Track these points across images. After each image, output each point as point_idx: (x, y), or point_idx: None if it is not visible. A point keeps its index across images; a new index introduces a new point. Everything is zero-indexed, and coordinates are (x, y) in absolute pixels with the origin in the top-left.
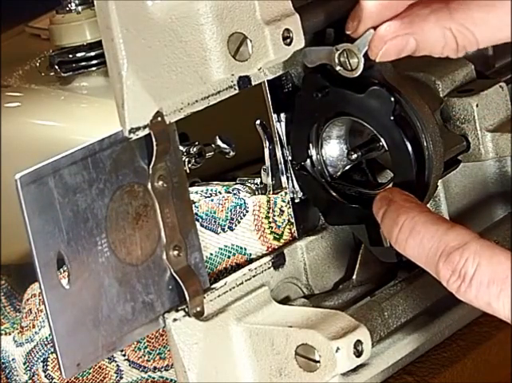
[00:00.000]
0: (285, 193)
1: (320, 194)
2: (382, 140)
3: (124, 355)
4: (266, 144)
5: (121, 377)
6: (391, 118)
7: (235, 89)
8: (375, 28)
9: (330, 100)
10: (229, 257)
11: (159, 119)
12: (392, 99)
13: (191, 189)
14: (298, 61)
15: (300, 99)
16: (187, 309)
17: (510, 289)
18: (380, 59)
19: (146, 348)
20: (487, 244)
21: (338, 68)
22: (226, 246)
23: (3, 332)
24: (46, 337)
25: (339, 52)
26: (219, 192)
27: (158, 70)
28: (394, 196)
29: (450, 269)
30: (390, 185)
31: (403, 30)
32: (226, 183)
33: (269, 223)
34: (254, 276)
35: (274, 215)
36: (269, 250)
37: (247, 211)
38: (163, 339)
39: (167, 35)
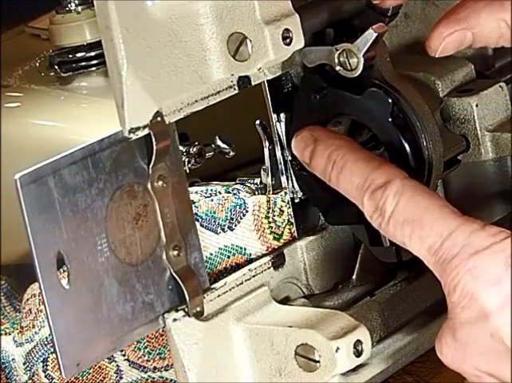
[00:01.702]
0: (285, 193)
1: (320, 194)
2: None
3: (124, 355)
4: (266, 144)
5: (121, 377)
6: (389, 120)
7: (235, 89)
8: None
9: (328, 101)
10: (229, 257)
11: (159, 119)
12: (390, 100)
13: (190, 189)
14: (298, 61)
15: (299, 99)
16: (186, 309)
17: (421, 230)
18: (440, 55)
19: (146, 348)
20: (411, 184)
21: (338, 68)
22: (225, 246)
23: (3, 332)
24: (46, 337)
25: (338, 52)
26: (219, 192)
27: (157, 70)
28: (318, 134)
29: (373, 205)
30: None
31: (460, 25)
32: (226, 183)
33: (269, 222)
34: (253, 276)
35: (274, 215)
36: (269, 250)
37: (247, 211)
38: (163, 339)
39: (166, 35)
